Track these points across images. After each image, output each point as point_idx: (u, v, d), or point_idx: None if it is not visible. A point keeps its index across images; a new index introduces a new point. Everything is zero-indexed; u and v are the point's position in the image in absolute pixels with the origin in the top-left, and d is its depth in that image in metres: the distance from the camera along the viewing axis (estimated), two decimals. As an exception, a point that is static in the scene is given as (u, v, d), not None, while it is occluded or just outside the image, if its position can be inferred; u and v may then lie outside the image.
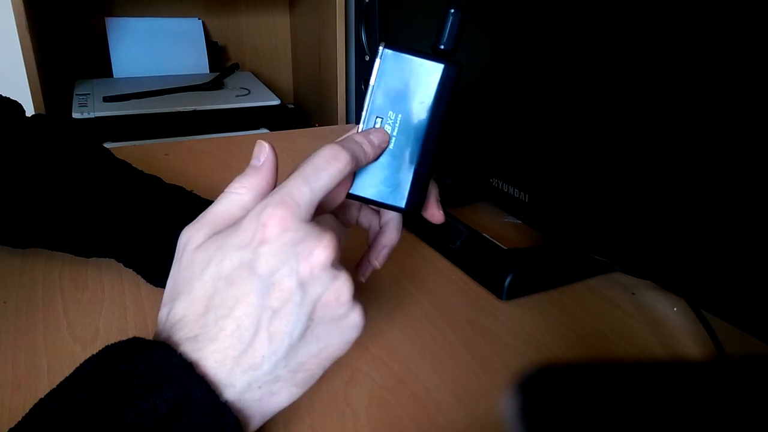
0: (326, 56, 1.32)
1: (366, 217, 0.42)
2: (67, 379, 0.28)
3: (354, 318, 0.32)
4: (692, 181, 0.38)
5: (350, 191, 0.37)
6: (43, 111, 1.08)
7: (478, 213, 0.66)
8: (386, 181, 0.37)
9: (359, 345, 0.40)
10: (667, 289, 0.51)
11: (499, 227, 0.63)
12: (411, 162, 0.37)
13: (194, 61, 1.46)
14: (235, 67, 1.50)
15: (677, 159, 0.39)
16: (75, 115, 1.12)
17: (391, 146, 0.36)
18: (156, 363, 0.28)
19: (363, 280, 0.41)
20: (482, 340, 0.45)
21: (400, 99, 0.36)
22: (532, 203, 0.53)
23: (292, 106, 1.59)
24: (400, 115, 0.36)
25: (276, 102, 1.27)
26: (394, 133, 0.36)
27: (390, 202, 0.37)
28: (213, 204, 0.33)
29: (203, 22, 1.49)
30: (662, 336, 0.46)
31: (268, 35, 1.59)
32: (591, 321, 0.48)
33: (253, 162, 0.34)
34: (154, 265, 0.49)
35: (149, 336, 0.31)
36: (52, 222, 0.49)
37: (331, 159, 0.32)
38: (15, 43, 1.02)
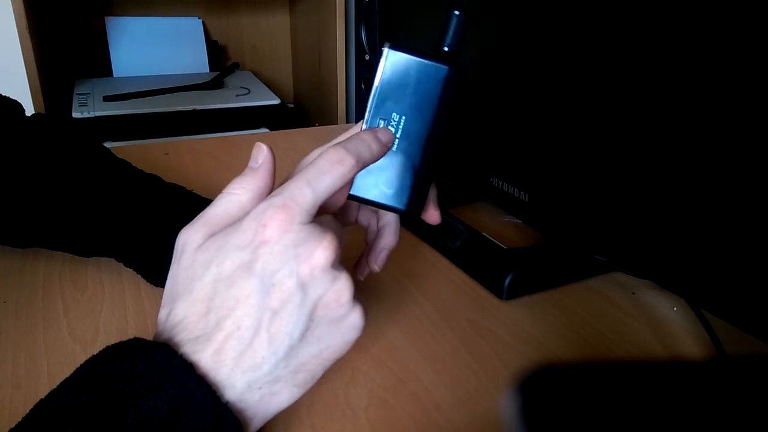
0: (326, 56, 1.32)
1: (365, 216, 0.42)
2: (67, 379, 0.28)
3: (354, 318, 0.32)
4: (692, 181, 0.38)
5: (351, 192, 0.37)
6: (43, 110, 1.08)
7: (478, 213, 0.66)
8: (387, 183, 0.36)
9: (359, 345, 0.40)
10: (667, 289, 0.51)
11: (499, 227, 0.63)
12: (413, 164, 0.36)
13: (194, 61, 1.46)
14: (235, 67, 1.50)
15: (677, 159, 0.39)
16: (75, 114, 1.12)
17: (393, 147, 0.36)
18: (157, 364, 0.28)
19: (361, 278, 0.41)
20: (482, 340, 0.45)
21: (403, 100, 0.36)
22: (532, 203, 0.53)
23: (292, 105, 1.59)
24: (403, 117, 0.36)
25: (276, 101, 1.27)
26: (397, 135, 0.36)
27: (391, 203, 0.37)
28: (211, 205, 0.33)
29: (203, 22, 1.49)
30: (662, 336, 0.46)
31: (268, 35, 1.59)
32: (591, 321, 0.48)
33: (251, 164, 0.34)
34: (154, 265, 0.49)
35: (149, 336, 0.31)
36: (52, 222, 0.49)
37: (335, 163, 0.32)
38: (15, 43, 1.02)
